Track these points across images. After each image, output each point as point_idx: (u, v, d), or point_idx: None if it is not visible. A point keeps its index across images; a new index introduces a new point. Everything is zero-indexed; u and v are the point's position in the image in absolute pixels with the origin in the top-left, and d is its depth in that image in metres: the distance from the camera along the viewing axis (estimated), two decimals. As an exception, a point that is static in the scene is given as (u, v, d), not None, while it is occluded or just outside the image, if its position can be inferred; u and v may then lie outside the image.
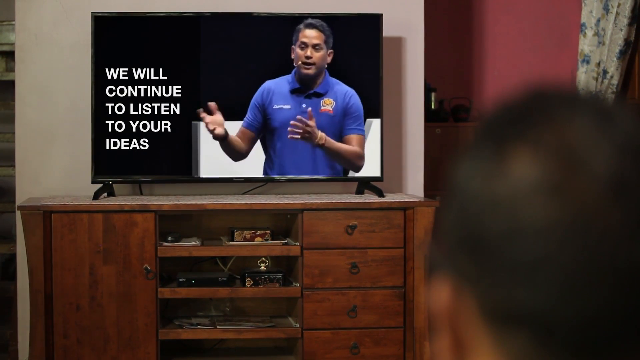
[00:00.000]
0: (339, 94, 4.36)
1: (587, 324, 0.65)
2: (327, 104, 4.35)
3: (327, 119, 4.37)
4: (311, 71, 4.35)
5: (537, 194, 0.66)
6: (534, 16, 5.49)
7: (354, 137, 4.39)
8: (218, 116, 4.33)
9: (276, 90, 4.35)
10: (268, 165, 4.40)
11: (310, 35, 4.35)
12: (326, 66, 4.38)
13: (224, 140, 4.35)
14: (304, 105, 4.35)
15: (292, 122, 4.33)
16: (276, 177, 4.42)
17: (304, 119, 4.32)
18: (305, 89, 4.37)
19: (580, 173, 0.66)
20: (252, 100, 4.36)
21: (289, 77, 4.37)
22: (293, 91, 4.36)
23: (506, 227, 0.67)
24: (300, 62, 4.35)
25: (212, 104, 4.33)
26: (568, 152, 0.66)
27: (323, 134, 4.35)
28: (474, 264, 0.69)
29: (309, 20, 4.36)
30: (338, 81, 4.39)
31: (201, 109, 4.34)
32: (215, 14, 4.42)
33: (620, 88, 5.25)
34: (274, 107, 4.36)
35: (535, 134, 0.68)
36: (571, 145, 0.67)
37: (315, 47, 4.35)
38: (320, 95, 4.37)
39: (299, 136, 4.34)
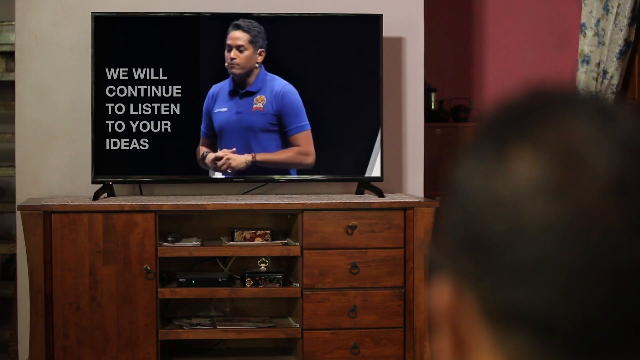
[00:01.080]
0: (271, 91, 4.37)
1: (588, 323, 0.65)
2: (259, 102, 4.36)
3: (258, 117, 4.38)
4: (236, 71, 4.35)
5: (538, 194, 0.66)
6: (534, 16, 5.49)
7: (298, 137, 4.40)
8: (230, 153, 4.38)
9: (219, 93, 4.37)
10: None
11: (234, 36, 4.36)
12: (257, 65, 4.37)
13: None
14: (238, 106, 4.37)
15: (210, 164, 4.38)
16: (276, 177, 4.42)
17: (215, 156, 4.35)
18: (240, 89, 4.38)
19: (581, 173, 0.66)
20: (203, 108, 4.39)
21: (228, 79, 4.38)
22: (230, 93, 4.38)
23: (507, 227, 0.67)
24: (226, 65, 4.36)
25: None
26: (569, 152, 0.66)
27: (248, 155, 4.36)
28: (474, 264, 0.69)
29: (237, 21, 4.35)
30: (275, 77, 4.39)
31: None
32: (215, 14, 4.42)
33: (620, 88, 5.25)
34: (215, 112, 4.38)
35: (536, 133, 0.68)
36: (572, 145, 0.67)
37: (239, 48, 4.35)
38: (252, 94, 4.38)
39: (223, 169, 4.36)
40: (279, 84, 4.38)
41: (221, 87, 4.38)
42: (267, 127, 4.37)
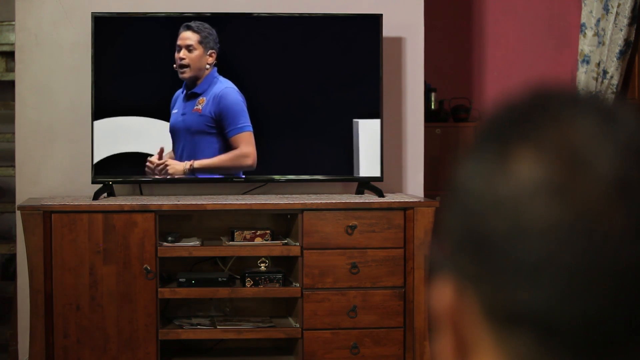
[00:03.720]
0: (212, 93, 4.35)
1: (589, 324, 0.65)
2: (199, 104, 4.35)
3: (196, 118, 4.36)
4: (186, 74, 4.34)
5: (540, 195, 0.66)
6: (534, 16, 5.50)
7: (236, 138, 4.37)
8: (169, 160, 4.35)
9: (179, 97, 4.36)
10: None
11: (184, 37, 4.34)
12: (207, 67, 4.36)
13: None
14: (184, 108, 4.36)
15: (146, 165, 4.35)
16: (276, 177, 4.42)
17: (150, 160, 4.33)
18: (187, 90, 4.37)
19: (583, 173, 0.66)
20: None
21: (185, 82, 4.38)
22: (184, 95, 4.37)
23: (509, 228, 0.67)
24: (175, 66, 4.34)
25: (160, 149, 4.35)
26: (571, 153, 0.66)
27: (187, 163, 4.33)
28: (476, 264, 0.69)
29: (187, 22, 4.34)
30: (222, 79, 4.36)
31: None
32: (216, 14, 4.42)
33: (620, 88, 5.25)
34: (171, 113, 4.37)
35: (538, 134, 0.68)
36: (574, 145, 0.67)
37: (188, 48, 4.34)
38: (197, 95, 4.37)
39: (156, 175, 4.34)
40: (221, 85, 4.36)
41: (181, 91, 4.38)
42: (204, 130, 4.35)
